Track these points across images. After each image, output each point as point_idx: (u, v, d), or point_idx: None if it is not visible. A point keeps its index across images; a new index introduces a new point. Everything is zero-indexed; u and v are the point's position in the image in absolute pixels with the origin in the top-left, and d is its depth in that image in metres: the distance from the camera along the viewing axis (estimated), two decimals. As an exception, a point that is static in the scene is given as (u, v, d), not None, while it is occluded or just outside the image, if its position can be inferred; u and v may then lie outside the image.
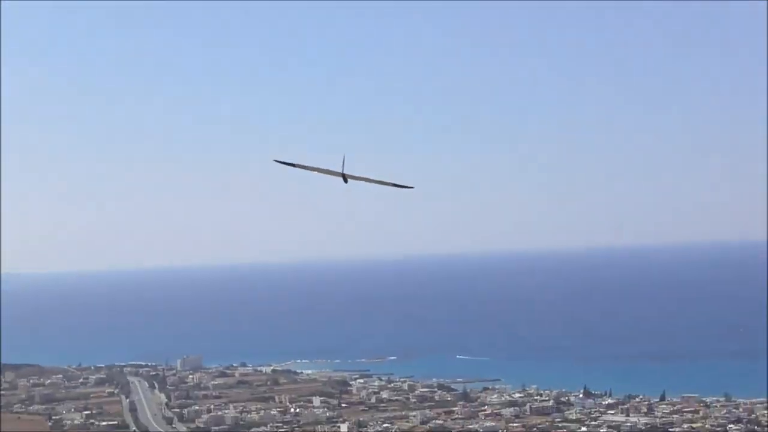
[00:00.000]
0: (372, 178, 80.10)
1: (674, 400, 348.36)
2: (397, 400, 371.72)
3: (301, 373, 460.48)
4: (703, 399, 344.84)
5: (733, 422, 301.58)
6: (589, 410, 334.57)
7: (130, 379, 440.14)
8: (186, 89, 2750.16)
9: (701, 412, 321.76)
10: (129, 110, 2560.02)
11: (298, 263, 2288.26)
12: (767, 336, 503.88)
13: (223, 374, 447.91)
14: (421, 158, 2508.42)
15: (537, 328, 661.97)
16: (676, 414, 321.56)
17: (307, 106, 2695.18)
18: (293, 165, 79.01)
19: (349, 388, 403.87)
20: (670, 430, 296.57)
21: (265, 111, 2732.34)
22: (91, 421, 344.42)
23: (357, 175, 78.73)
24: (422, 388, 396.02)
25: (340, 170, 77.02)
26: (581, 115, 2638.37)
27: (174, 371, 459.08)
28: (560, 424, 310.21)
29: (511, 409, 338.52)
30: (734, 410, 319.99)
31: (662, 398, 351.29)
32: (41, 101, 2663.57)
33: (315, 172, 78.62)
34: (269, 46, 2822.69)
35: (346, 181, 79.02)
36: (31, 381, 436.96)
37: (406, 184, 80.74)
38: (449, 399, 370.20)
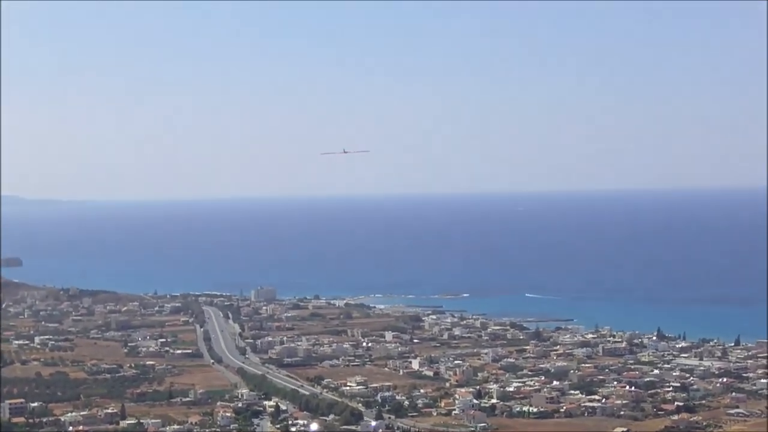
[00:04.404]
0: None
1: (749, 344, 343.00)
2: (469, 337, 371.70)
3: (374, 307, 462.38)
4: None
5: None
6: (662, 353, 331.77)
7: (205, 308, 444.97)
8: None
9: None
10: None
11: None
12: None
13: (296, 306, 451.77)
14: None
15: (608, 268, 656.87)
16: (750, 359, 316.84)
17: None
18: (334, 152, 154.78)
19: (421, 323, 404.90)
20: (745, 374, 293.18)
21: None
22: (166, 348, 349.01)
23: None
24: (494, 326, 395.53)
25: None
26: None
27: (248, 302, 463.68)
28: (632, 366, 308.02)
29: (584, 349, 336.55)
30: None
31: (737, 343, 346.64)
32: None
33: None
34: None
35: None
36: (107, 307, 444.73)
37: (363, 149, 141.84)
38: (521, 338, 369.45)
